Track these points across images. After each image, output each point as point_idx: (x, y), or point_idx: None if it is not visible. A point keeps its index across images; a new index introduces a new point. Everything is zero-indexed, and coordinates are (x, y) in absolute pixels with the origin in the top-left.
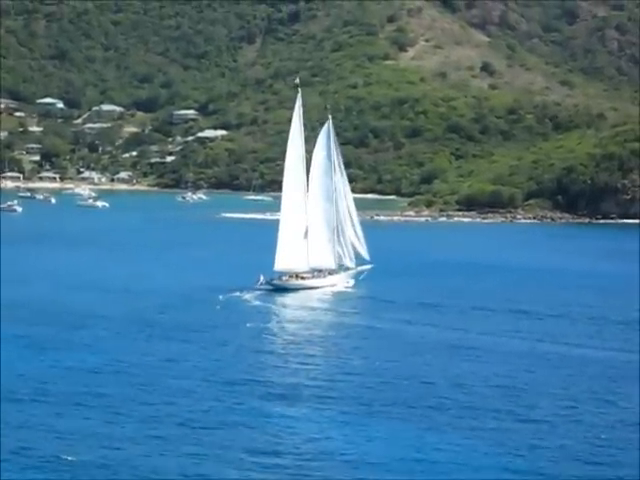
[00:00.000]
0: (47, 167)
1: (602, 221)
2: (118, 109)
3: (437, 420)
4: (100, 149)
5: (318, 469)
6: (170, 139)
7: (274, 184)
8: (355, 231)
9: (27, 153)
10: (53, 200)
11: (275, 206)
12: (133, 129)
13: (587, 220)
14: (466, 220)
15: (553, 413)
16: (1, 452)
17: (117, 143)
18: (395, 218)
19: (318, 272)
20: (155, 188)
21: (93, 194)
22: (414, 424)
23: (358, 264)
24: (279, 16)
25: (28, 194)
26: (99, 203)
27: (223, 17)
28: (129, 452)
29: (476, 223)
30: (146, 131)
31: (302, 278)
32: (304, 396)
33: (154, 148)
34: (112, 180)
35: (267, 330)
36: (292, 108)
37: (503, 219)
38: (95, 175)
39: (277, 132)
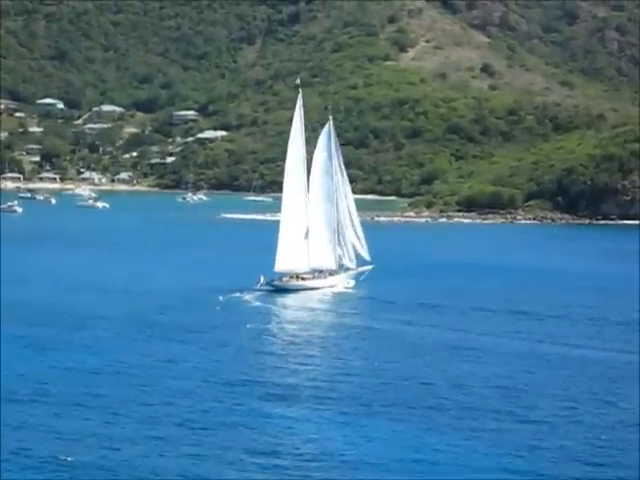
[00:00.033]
0: (47, 168)
1: (602, 222)
2: (118, 110)
3: (437, 421)
4: (100, 150)
5: (318, 470)
6: (170, 140)
7: (274, 185)
8: (355, 232)
9: (27, 154)
10: (53, 201)
11: (275, 207)
12: (133, 130)
13: (587, 221)
14: (466, 221)
15: (553, 414)
16: (1, 452)
17: (117, 144)
18: (395, 219)
19: (319, 273)
20: (155, 189)
21: (93, 195)
22: (414, 425)
23: (358, 265)
24: (279, 17)
25: (28, 195)
26: (99, 204)
27: (223, 18)
28: (129, 453)
29: (476, 224)
30: (146, 132)
31: (302, 279)
32: (304, 397)
33: (154, 149)
34: (112, 181)
35: (267, 331)
36: (292, 109)
37: (503, 220)
38: (95, 176)
39: (277, 133)
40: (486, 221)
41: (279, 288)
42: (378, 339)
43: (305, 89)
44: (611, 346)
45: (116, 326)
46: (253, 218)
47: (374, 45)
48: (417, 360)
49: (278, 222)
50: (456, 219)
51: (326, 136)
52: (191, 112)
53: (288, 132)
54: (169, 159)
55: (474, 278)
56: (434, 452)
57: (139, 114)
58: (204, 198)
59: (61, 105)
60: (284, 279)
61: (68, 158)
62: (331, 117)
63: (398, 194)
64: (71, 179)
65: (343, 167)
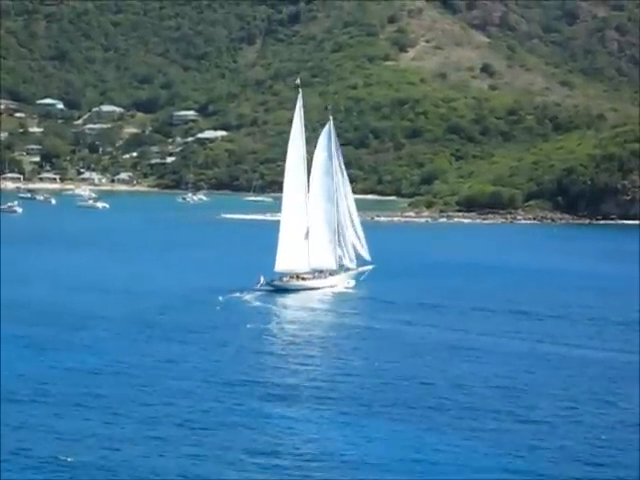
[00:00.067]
0: (47, 168)
1: (602, 222)
2: (118, 110)
3: (437, 421)
4: (100, 150)
5: (318, 470)
6: (170, 140)
7: (274, 185)
8: (356, 232)
9: (27, 154)
10: (53, 201)
11: (275, 207)
12: (133, 130)
13: (587, 221)
14: (466, 221)
15: (553, 414)
16: (1, 452)
17: (117, 144)
18: (395, 219)
19: (319, 273)
20: (155, 189)
21: (93, 195)
22: (414, 425)
23: (359, 265)
24: (279, 17)
25: (28, 195)
26: (99, 204)
27: (223, 18)
28: (128, 453)
29: (476, 224)
30: (146, 132)
31: (303, 279)
32: (304, 397)
33: (154, 149)
34: (112, 181)
35: (267, 331)
36: (292, 109)
37: (503, 220)
38: (95, 176)
39: (277, 133)
40: (486, 221)
41: (279, 288)
42: (378, 339)
43: (305, 89)
44: (611, 346)
45: (116, 326)
46: (253, 218)
47: (374, 45)
48: (417, 360)
49: (278, 222)
50: (456, 219)
51: (326, 136)
52: (191, 112)
53: (288, 132)
54: (169, 159)
55: (474, 278)
56: (434, 452)
57: (139, 114)
58: (204, 198)
59: (61, 105)
60: (284, 279)
61: (68, 158)
62: (331, 117)
63: (398, 194)
64: (71, 179)
65: (343, 167)
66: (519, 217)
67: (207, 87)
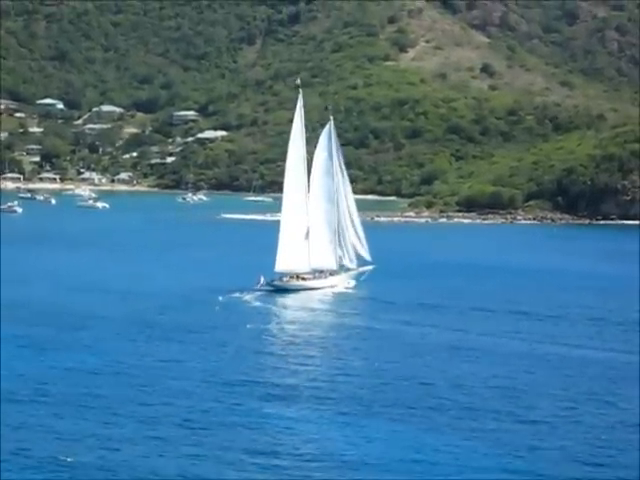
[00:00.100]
0: (47, 168)
1: (602, 222)
2: (118, 110)
3: (437, 421)
4: (100, 150)
5: (318, 470)
6: (170, 140)
7: (274, 185)
8: (356, 232)
9: (27, 154)
10: (53, 201)
11: (275, 207)
12: (133, 130)
13: (587, 221)
14: (466, 221)
15: (553, 414)
16: (1, 452)
17: (117, 144)
18: (395, 219)
19: (319, 273)
20: (155, 189)
21: (93, 195)
22: (414, 425)
23: (359, 265)
24: (279, 17)
25: (28, 195)
26: (99, 204)
27: (223, 18)
28: (128, 453)
29: (476, 224)
30: (146, 132)
31: (303, 279)
32: (304, 397)
33: (154, 149)
34: (112, 181)
35: (267, 331)
36: (292, 109)
37: (503, 220)
38: (95, 176)
39: (277, 133)
40: (486, 221)
41: (279, 288)
42: (378, 339)
43: (305, 89)
44: (611, 346)
45: (116, 326)
46: (253, 218)
47: (374, 45)
48: (417, 360)
49: (278, 222)
50: (456, 219)
51: (326, 136)
52: (191, 112)
53: (288, 132)
54: (169, 159)
55: (474, 278)
56: (434, 452)
57: (139, 114)
58: (204, 198)
59: (61, 105)
60: (284, 279)
61: (68, 158)
62: (331, 117)
63: (398, 194)
64: (71, 179)
65: (344, 167)
66: (519, 217)
67: (207, 87)
